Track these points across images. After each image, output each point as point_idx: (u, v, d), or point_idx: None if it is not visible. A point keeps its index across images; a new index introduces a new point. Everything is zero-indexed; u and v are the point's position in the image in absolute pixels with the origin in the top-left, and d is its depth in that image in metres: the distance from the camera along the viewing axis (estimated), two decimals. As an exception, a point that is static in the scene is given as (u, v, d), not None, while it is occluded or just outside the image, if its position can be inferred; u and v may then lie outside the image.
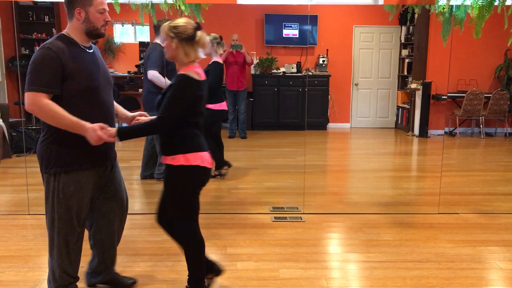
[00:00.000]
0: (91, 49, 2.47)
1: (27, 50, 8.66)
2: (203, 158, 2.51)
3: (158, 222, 2.72)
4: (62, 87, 2.28)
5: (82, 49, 2.39)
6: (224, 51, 5.34)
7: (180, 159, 2.46)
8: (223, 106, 5.32)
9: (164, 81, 4.82)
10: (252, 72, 8.96)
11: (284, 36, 9.09)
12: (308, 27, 9.06)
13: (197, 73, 2.49)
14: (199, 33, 2.47)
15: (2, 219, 4.09)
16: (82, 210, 2.48)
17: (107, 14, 2.41)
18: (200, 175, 2.53)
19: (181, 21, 2.47)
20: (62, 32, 2.39)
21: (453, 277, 3.05)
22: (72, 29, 2.38)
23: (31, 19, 8.55)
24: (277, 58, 9.07)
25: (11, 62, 8.16)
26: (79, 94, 2.33)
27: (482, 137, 8.41)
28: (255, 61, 8.91)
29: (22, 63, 8.31)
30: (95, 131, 2.29)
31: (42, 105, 2.24)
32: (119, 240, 2.83)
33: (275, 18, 9.03)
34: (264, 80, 8.93)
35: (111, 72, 9.01)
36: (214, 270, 2.77)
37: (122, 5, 3.95)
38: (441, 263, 3.26)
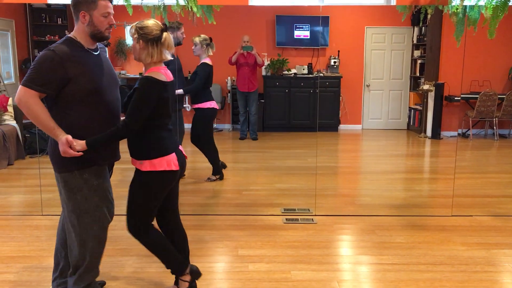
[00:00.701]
0: (97, 51, 2.50)
1: (40, 53, 8.75)
2: (170, 162, 2.51)
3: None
4: (66, 89, 2.32)
5: (87, 51, 2.43)
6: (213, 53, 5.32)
7: (146, 165, 2.48)
8: (212, 104, 5.31)
9: None
10: (263, 73, 8.96)
11: (295, 37, 9.07)
12: (319, 28, 9.04)
13: (164, 74, 2.48)
14: (164, 34, 2.47)
15: (16, 219, 4.13)
16: (110, 202, 2.55)
17: (111, 17, 2.45)
18: (165, 180, 2.55)
19: (149, 22, 2.48)
20: (69, 35, 2.44)
21: (467, 280, 3.02)
22: (77, 31, 2.43)
23: (44, 21, 8.64)
24: (288, 59, 9.05)
25: (24, 64, 8.25)
26: (83, 96, 2.36)
27: (495, 138, 8.31)
28: (266, 63, 8.91)
29: (36, 65, 8.40)
30: (63, 144, 2.32)
31: (28, 102, 2.28)
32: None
33: (286, 19, 9.02)
34: (275, 81, 8.92)
35: (122, 74, 9.09)
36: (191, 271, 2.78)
37: (135, 7, 3.97)
38: (454, 266, 3.22)
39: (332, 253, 3.47)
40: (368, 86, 9.36)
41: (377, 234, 3.81)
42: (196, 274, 2.78)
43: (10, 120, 6.53)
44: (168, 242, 2.68)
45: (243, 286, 2.93)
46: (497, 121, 8.26)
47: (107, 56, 2.63)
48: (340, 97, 9.04)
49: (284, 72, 9.02)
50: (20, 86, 2.30)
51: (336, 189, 5.30)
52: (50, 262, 3.24)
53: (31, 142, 6.70)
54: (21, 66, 8.25)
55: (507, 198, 4.83)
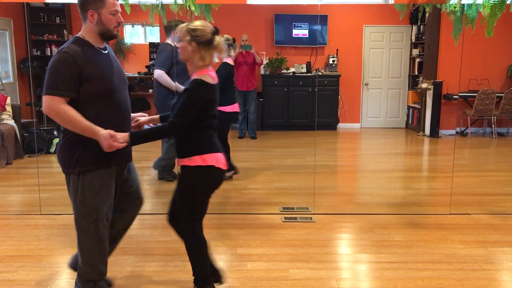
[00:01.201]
0: (106, 50, 2.50)
1: (38, 52, 8.73)
2: (218, 159, 2.52)
3: (169, 222, 2.75)
4: (81, 89, 2.32)
5: (97, 50, 2.43)
6: (235, 53, 5.34)
7: (197, 160, 2.47)
8: (235, 108, 5.32)
9: (168, 81, 4.86)
10: (262, 72, 8.96)
11: (293, 36, 9.07)
12: (318, 27, 9.04)
13: (212, 77, 2.49)
14: (217, 38, 2.47)
15: (14, 219, 4.13)
16: (110, 207, 2.54)
17: (119, 15, 2.43)
18: (215, 176, 2.56)
19: (199, 24, 2.47)
20: (77, 35, 2.43)
21: (465, 278, 3.03)
22: (86, 31, 2.42)
23: (42, 20, 8.63)
24: (287, 58, 9.05)
25: (22, 63, 8.24)
26: (96, 95, 2.37)
27: (494, 137, 8.33)
28: (265, 62, 8.91)
29: (34, 64, 8.39)
30: (106, 139, 2.33)
31: (59, 109, 2.29)
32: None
33: (285, 18, 9.02)
34: (274, 80, 8.92)
35: (121, 73, 9.08)
36: (216, 277, 2.77)
37: (133, 6, 3.97)
38: (452, 264, 3.23)
39: (331, 252, 3.48)
40: (366, 84, 9.37)
41: (375, 233, 3.81)
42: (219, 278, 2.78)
43: (8, 120, 6.52)
44: (208, 255, 2.68)
45: (242, 284, 2.94)
46: (495, 119, 8.27)
47: (114, 55, 2.63)
48: (339, 96, 9.05)
49: (282, 71, 9.02)
50: (43, 97, 2.31)
51: (335, 188, 5.30)
52: (49, 261, 3.26)
53: (29, 142, 6.69)
54: (19, 65, 8.24)
55: (505, 196, 4.84)
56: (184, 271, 3.09)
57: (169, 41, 5.05)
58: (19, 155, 6.42)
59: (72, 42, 2.39)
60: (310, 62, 9.15)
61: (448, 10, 3.98)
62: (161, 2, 4.14)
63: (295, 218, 4.12)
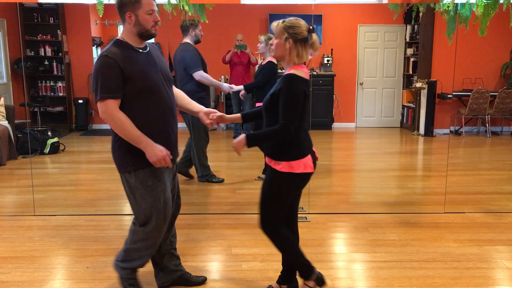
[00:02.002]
0: (146, 49, 2.53)
1: (32, 52, 8.70)
2: (306, 164, 2.49)
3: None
4: (124, 89, 2.37)
5: (136, 50, 2.46)
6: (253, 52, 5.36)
7: (284, 166, 2.46)
8: None
9: (210, 79, 4.97)
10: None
11: (288, 36, 9.07)
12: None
13: (305, 72, 2.48)
14: (314, 35, 2.46)
15: (8, 220, 4.11)
16: (167, 203, 2.56)
17: (156, 14, 2.47)
18: (300, 181, 2.55)
19: (295, 21, 2.48)
20: (117, 38, 2.49)
21: (459, 277, 3.03)
22: (126, 33, 2.47)
23: (36, 21, 8.59)
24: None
25: (16, 64, 8.20)
26: (139, 95, 2.40)
27: (488, 136, 8.36)
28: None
29: (28, 65, 8.36)
30: (162, 151, 2.41)
31: (113, 115, 2.35)
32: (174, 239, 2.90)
33: (279, 18, 8.95)
34: (269, 80, 8.90)
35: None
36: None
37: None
38: (447, 263, 3.24)
39: (326, 251, 3.48)
40: (361, 84, 9.38)
41: (370, 232, 3.82)
42: (321, 282, 2.75)
43: (2, 120, 6.49)
44: (298, 245, 2.69)
45: (237, 284, 2.93)
46: (489, 118, 8.31)
47: (160, 54, 2.66)
48: (334, 95, 9.06)
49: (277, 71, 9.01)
50: (98, 103, 2.37)
51: (330, 187, 5.31)
52: (43, 262, 3.24)
53: (23, 142, 6.66)
54: (13, 66, 8.20)
55: (499, 195, 4.86)
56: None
57: (188, 40, 5.03)
58: (12, 156, 6.39)
59: (111, 44, 2.44)
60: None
61: (441, 10, 3.99)
62: (155, 2, 4.12)
63: (290, 218, 4.11)
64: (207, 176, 5.28)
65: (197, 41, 5.10)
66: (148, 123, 2.44)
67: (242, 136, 2.45)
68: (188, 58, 4.90)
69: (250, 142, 2.45)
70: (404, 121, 9.22)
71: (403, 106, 9.27)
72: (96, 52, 9.36)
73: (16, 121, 6.87)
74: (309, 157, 2.51)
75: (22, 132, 6.77)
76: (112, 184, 4.99)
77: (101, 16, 3.81)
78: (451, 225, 3.97)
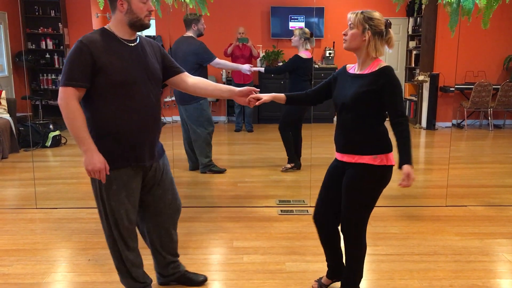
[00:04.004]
0: (135, 43, 2.36)
1: (33, 45, 8.69)
2: (393, 157, 2.43)
3: (324, 222, 2.63)
4: (95, 80, 2.21)
5: (122, 42, 2.30)
6: (312, 48, 5.42)
7: (383, 159, 2.37)
8: None
9: (228, 63, 5.12)
10: (259, 65, 8.93)
11: (290, 28, 9.04)
12: (314, 20, 9.02)
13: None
14: (391, 31, 2.42)
15: (10, 213, 4.12)
16: (129, 211, 2.42)
17: (150, 3, 2.32)
18: (391, 174, 2.46)
19: (375, 14, 2.43)
20: (103, 26, 2.33)
21: (461, 270, 3.03)
22: (115, 22, 2.31)
23: (37, 13, 8.57)
24: (283, 51, 9.03)
25: (18, 57, 8.19)
26: (113, 88, 2.24)
27: (490, 129, 8.34)
28: (261, 54, 8.89)
29: (29, 58, 8.35)
30: (101, 163, 2.23)
31: (69, 104, 2.18)
32: (175, 239, 2.77)
33: (281, 11, 8.99)
34: (271, 73, 8.88)
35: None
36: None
37: (127, -1, 3.93)
38: (448, 256, 3.24)
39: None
40: (363, 77, 9.35)
41: (371, 225, 3.81)
42: None
43: (3, 114, 6.49)
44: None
45: (238, 277, 2.94)
46: (491, 111, 8.29)
47: (156, 48, 2.49)
48: (335, 89, 9.02)
49: (279, 64, 9.00)
50: (60, 89, 2.21)
51: (331, 181, 5.29)
52: (44, 255, 3.25)
53: (25, 136, 6.67)
54: (14, 59, 8.19)
55: (501, 188, 4.85)
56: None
57: (190, 34, 5.08)
58: (14, 149, 6.40)
59: (94, 32, 2.29)
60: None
61: (444, 2, 3.97)
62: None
63: (291, 211, 4.12)
64: (210, 166, 5.29)
65: (199, 35, 5.12)
66: (119, 120, 2.27)
67: (407, 167, 2.29)
68: (201, 50, 4.98)
69: (410, 161, 2.31)
70: (406, 114, 9.20)
71: (405, 99, 9.24)
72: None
73: (17, 114, 6.87)
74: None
75: (24, 125, 6.77)
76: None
77: (102, 9, 3.79)
78: (453, 218, 3.97)
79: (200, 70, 4.98)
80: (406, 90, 9.22)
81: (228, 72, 8.79)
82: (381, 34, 2.39)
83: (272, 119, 8.95)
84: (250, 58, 7.88)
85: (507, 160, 6.13)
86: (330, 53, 8.97)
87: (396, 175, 2.44)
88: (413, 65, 9.04)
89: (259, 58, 8.70)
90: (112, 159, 2.30)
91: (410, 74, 9.25)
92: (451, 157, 5.12)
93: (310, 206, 4.23)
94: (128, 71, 2.27)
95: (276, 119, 8.90)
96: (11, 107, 6.65)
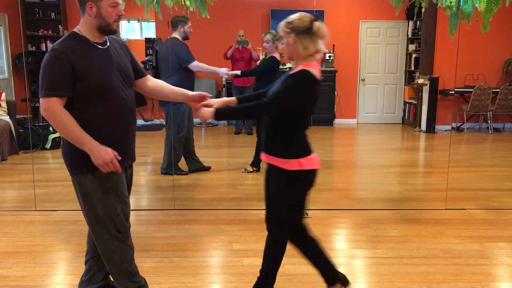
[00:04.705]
0: (105, 45, 2.34)
1: (33, 47, 8.70)
2: (313, 160, 2.42)
3: (269, 225, 2.63)
4: (75, 87, 2.19)
5: (94, 46, 2.28)
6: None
7: (294, 164, 2.36)
8: None
9: (206, 66, 5.03)
10: (258, 68, 8.93)
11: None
12: (314, 23, 9.00)
13: (318, 71, 2.38)
14: (316, 23, 2.34)
15: (10, 215, 4.11)
16: (126, 205, 2.43)
17: (120, 8, 2.30)
18: (312, 178, 2.46)
19: (294, 16, 2.39)
20: (73, 30, 2.30)
21: (460, 273, 3.03)
22: (84, 25, 2.29)
23: (37, 16, 8.59)
24: (283, 54, 9.03)
25: (18, 59, 8.21)
26: (93, 94, 2.23)
27: (490, 132, 8.35)
28: (261, 57, 8.89)
29: (29, 60, 8.36)
30: (108, 154, 2.21)
31: (55, 113, 2.16)
32: None
33: (281, 14, 8.96)
34: (270, 76, 8.88)
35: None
36: (340, 279, 2.66)
37: (128, 1, 3.94)
38: (448, 259, 3.24)
39: (327, 247, 3.45)
40: (363, 80, 9.37)
41: (371, 228, 3.82)
42: (345, 282, 2.65)
43: (3, 116, 6.49)
44: (322, 248, 2.59)
45: (237, 280, 2.94)
46: (491, 115, 8.29)
47: (123, 48, 2.48)
48: (335, 92, 9.04)
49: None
50: (40, 99, 2.18)
51: (331, 183, 5.30)
52: (44, 257, 3.25)
53: (25, 138, 6.67)
54: (14, 61, 8.21)
55: (500, 192, 4.85)
56: (180, 267, 3.09)
57: (176, 35, 5.10)
58: (14, 151, 6.39)
59: (65, 38, 2.26)
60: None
61: (444, 5, 3.97)
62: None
63: (291, 214, 4.11)
64: (169, 169, 5.27)
65: (185, 37, 5.13)
66: (102, 124, 2.26)
67: (211, 111, 2.36)
68: (181, 51, 4.99)
69: (219, 115, 2.36)
70: (406, 118, 9.21)
71: (405, 103, 9.25)
72: (97, 48, 9.36)
73: (17, 116, 6.88)
74: (314, 154, 2.45)
75: (24, 127, 6.77)
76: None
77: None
78: (452, 222, 3.97)
79: (185, 72, 5.01)
80: (406, 93, 9.23)
81: (228, 75, 8.79)
82: (306, 31, 2.34)
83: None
84: (250, 61, 7.89)
85: (506, 164, 6.13)
86: (330, 56, 8.98)
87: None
88: (412, 68, 9.05)
89: (259, 61, 8.70)
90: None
91: (409, 77, 9.26)
92: (450, 160, 5.12)
93: (309, 209, 4.23)
94: (106, 76, 2.26)
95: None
96: (11, 109, 6.65)
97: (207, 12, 4.37)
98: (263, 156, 2.49)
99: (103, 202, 2.33)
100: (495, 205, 4.39)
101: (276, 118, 2.40)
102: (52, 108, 2.16)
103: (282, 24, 2.40)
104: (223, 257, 3.29)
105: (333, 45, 9.08)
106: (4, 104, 6.59)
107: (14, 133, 6.44)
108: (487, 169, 5.87)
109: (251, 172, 5.50)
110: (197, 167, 5.46)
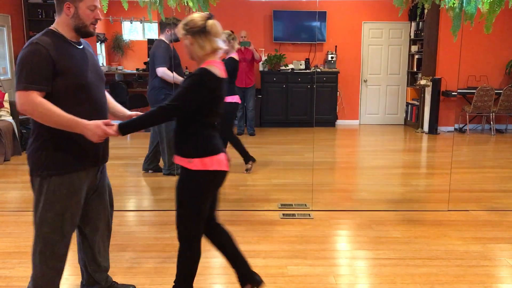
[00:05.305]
0: (81, 45, 2.34)
1: (22, 49, 8.70)
2: (220, 161, 2.40)
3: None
4: (54, 84, 2.16)
5: (72, 44, 2.26)
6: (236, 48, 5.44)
7: (197, 164, 2.34)
8: (235, 99, 5.36)
9: (172, 77, 4.91)
10: (261, 69, 8.95)
11: (292, 32, 9.07)
12: (316, 24, 9.03)
13: (220, 69, 2.36)
14: (209, 22, 2.34)
15: (12, 215, 4.12)
16: (75, 215, 2.35)
17: (98, 12, 2.29)
18: (217, 180, 2.45)
19: (192, 16, 2.39)
20: (49, 28, 2.26)
21: (463, 275, 3.03)
22: (60, 24, 2.26)
23: (40, 16, 8.60)
24: (286, 54, 9.05)
25: (21, 59, 8.22)
26: (69, 91, 2.21)
27: (492, 133, 8.33)
28: (264, 58, 8.90)
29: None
30: (99, 126, 2.18)
31: (36, 104, 2.10)
32: (108, 245, 2.71)
33: (284, 15, 9.01)
34: (273, 77, 8.92)
35: (119, 70, 9.06)
36: (255, 281, 2.66)
37: (131, 2, 3.95)
38: (450, 261, 3.23)
39: (329, 248, 3.48)
40: (365, 81, 9.36)
41: (373, 229, 3.81)
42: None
43: (6, 116, 6.51)
44: (196, 269, 2.55)
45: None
46: (494, 116, 8.28)
47: (93, 52, 2.47)
48: (338, 92, 9.05)
49: (281, 68, 9.02)
50: (17, 92, 2.12)
51: (333, 184, 5.30)
52: (47, 257, 3.24)
53: (27, 138, 6.67)
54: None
55: (503, 193, 4.84)
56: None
57: (162, 37, 5.13)
58: (17, 151, 6.41)
59: (43, 34, 2.21)
60: (308, 59, 9.15)
61: (447, 6, 3.97)
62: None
63: (293, 215, 4.12)
64: (171, 170, 5.31)
65: (174, 40, 5.14)
66: None
67: (114, 128, 2.25)
68: (157, 54, 5.01)
69: (124, 129, 2.27)
70: (408, 119, 9.20)
71: (407, 104, 9.25)
72: (100, 48, 9.37)
73: (20, 117, 6.89)
74: (223, 154, 2.42)
75: (26, 128, 6.78)
76: (115, 180, 5.00)
77: (105, 12, 3.81)
78: (455, 223, 3.96)
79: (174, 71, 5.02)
80: (408, 95, 9.22)
81: (230, 76, 8.80)
82: (201, 31, 2.34)
83: (275, 123, 8.96)
84: (252, 62, 7.89)
85: (509, 165, 6.12)
86: (332, 57, 8.99)
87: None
88: (415, 69, 9.05)
89: (261, 62, 8.72)
90: (65, 164, 2.25)
91: (412, 78, 9.25)
92: (453, 162, 5.11)
93: (312, 210, 4.23)
94: (83, 74, 2.26)
95: (278, 123, 8.95)
96: (14, 110, 6.67)
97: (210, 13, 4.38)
98: (175, 158, 2.45)
99: (53, 208, 2.26)
100: (498, 207, 4.38)
101: (180, 118, 2.37)
102: (32, 100, 2.10)
103: (179, 26, 2.41)
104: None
105: (335, 46, 9.09)
106: (7, 105, 6.60)
107: (17, 133, 6.46)
108: (490, 170, 5.86)
109: (251, 167, 5.53)
110: (157, 167, 5.49)
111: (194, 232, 2.47)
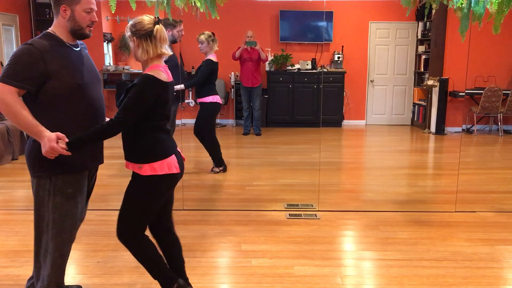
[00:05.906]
0: (78, 47, 2.38)
1: (17, 47, 8.75)
2: (170, 165, 2.37)
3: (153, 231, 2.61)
4: (48, 86, 2.19)
5: (68, 47, 2.31)
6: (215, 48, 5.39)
7: (146, 169, 2.33)
8: (215, 99, 5.36)
9: None
10: (267, 68, 8.95)
11: (299, 32, 9.06)
12: (323, 23, 9.02)
13: (165, 73, 2.35)
14: (157, 27, 2.33)
15: (20, 214, 4.14)
16: (80, 214, 2.39)
17: (94, 14, 2.33)
18: (166, 184, 2.42)
19: (140, 18, 2.37)
20: (47, 30, 2.31)
21: (471, 276, 3.01)
22: (57, 26, 2.30)
23: (48, 16, 8.63)
24: (292, 54, 9.04)
25: (28, 59, 8.26)
26: (65, 92, 2.23)
27: (500, 134, 8.28)
28: (270, 58, 8.90)
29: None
30: (51, 141, 2.13)
31: (8, 99, 2.12)
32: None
33: (290, 15, 9.00)
34: (279, 77, 8.91)
35: (126, 69, 9.08)
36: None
37: (138, 2, 3.96)
38: (458, 262, 3.22)
39: (336, 249, 3.47)
40: (372, 81, 9.34)
41: (380, 230, 3.80)
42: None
43: (14, 115, 6.54)
44: (158, 253, 2.53)
45: (246, 281, 2.94)
46: (501, 116, 8.23)
47: (87, 54, 2.50)
48: (344, 93, 9.03)
49: (287, 68, 9.01)
50: None
51: (340, 185, 5.29)
52: (54, 256, 3.26)
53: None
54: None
55: (511, 194, 4.81)
56: (189, 267, 3.06)
57: None
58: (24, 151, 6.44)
59: (41, 37, 2.26)
60: (315, 59, 9.13)
61: (455, 7, 3.95)
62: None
63: (300, 215, 4.11)
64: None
65: (173, 41, 5.14)
66: (75, 123, 2.26)
67: (60, 145, 2.16)
68: None
69: (72, 146, 2.18)
70: (415, 119, 9.17)
71: (414, 104, 9.21)
72: (107, 48, 9.40)
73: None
74: (173, 157, 2.39)
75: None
76: (122, 179, 4.98)
77: (113, 12, 3.82)
78: (462, 224, 3.94)
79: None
80: (415, 95, 9.19)
81: (237, 76, 8.81)
82: (147, 34, 2.32)
83: (281, 123, 8.95)
84: (258, 61, 7.89)
85: (517, 166, 6.09)
86: (338, 57, 8.97)
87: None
88: (422, 70, 9.01)
89: (268, 62, 8.71)
90: (70, 163, 2.27)
91: (419, 78, 9.21)
92: (460, 163, 5.09)
93: (318, 211, 4.22)
94: (79, 74, 2.28)
95: (284, 123, 8.94)
96: (22, 109, 6.70)
97: (217, 13, 4.38)
98: (125, 164, 2.43)
99: (60, 208, 2.29)
100: (506, 208, 4.36)
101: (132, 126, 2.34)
102: (5, 94, 2.12)
103: (127, 26, 2.39)
104: (231, 257, 3.30)
105: (342, 46, 9.07)
106: (15, 104, 6.64)
107: (24, 133, 6.49)
108: (498, 171, 5.82)
109: (218, 172, 5.47)
110: None
111: (135, 231, 2.45)
